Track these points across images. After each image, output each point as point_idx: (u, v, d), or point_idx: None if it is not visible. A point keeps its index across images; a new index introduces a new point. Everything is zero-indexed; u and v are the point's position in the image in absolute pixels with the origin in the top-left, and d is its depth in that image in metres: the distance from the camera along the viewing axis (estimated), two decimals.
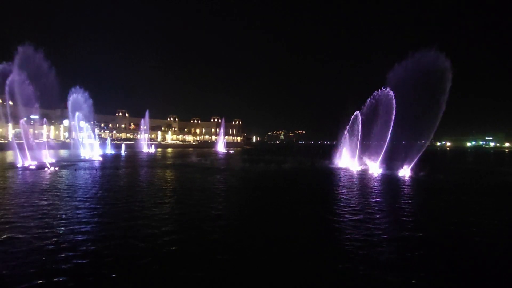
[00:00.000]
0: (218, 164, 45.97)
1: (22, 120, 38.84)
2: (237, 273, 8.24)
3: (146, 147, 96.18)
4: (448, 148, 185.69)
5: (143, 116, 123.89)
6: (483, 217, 14.65)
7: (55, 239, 10.25)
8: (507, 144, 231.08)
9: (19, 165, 32.65)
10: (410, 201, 18.38)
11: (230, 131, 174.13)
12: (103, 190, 20.37)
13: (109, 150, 70.58)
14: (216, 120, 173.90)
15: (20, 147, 35.19)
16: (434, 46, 30.00)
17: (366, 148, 38.97)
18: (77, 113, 57.56)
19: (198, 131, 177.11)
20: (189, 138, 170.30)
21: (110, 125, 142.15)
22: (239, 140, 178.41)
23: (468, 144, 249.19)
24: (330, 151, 55.02)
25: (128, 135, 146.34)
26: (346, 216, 14.17)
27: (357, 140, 38.53)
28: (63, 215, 13.38)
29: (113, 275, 7.91)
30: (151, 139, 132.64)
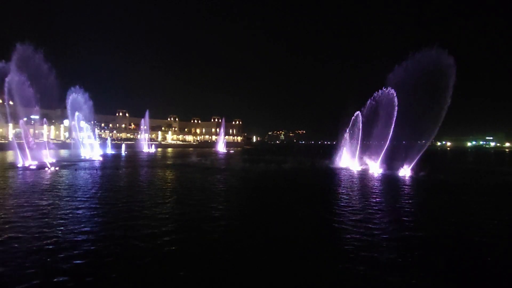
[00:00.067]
0: (218, 164, 45.98)
1: (22, 120, 38.86)
2: (237, 273, 8.24)
3: (147, 147, 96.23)
4: (448, 148, 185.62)
5: (143, 116, 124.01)
6: (483, 217, 14.65)
7: (55, 239, 10.26)
8: (507, 144, 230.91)
9: (20, 165, 32.68)
10: (410, 201, 18.37)
11: (230, 131, 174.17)
12: (103, 190, 20.38)
13: (109, 150, 70.60)
14: (216, 120, 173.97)
15: (21, 147, 35.21)
16: (434, 45, 30.00)
17: (366, 148, 38.98)
18: (76, 113, 57.57)
19: (198, 131, 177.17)
20: (190, 138, 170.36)
21: (111, 125, 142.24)
22: (239, 140, 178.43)
23: (469, 144, 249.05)
24: (330, 151, 55.04)
25: (128, 135, 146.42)
26: (346, 216, 14.17)
27: (358, 140, 38.53)
28: (64, 215, 13.38)
29: (113, 275, 7.92)
30: (151, 139, 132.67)
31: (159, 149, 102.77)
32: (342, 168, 37.56)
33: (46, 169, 30.72)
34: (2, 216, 13.04)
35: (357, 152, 38.40)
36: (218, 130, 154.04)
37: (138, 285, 7.54)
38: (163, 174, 30.60)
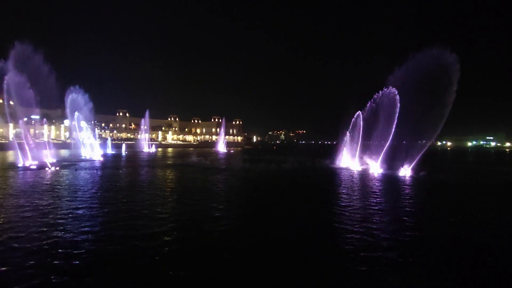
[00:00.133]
0: (218, 164, 45.99)
1: (21, 121, 38.90)
2: (237, 273, 8.25)
3: (147, 147, 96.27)
4: (448, 148, 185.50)
5: (143, 116, 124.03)
6: (484, 217, 14.64)
7: (56, 239, 10.27)
8: (508, 144, 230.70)
9: (20, 165, 32.71)
10: (410, 201, 18.36)
11: (231, 131, 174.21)
12: (103, 190, 20.40)
13: (110, 150, 70.66)
14: (216, 120, 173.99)
15: (21, 147, 35.24)
16: (435, 45, 29.94)
17: (366, 147, 38.98)
18: (76, 113, 57.63)
19: (198, 131, 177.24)
20: (190, 138, 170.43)
21: (111, 125, 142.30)
22: (239, 140, 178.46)
23: (469, 144, 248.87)
24: (330, 151, 55.04)
25: (128, 135, 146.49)
26: (347, 216, 14.17)
27: (358, 140, 38.52)
28: (64, 215, 13.39)
29: (113, 275, 7.93)
30: (151, 139, 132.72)
31: (160, 149, 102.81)
32: (342, 168, 37.57)
33: (47, 169, 30.75)
34: (2, 216, 13.06)
35: (357, 152, 38.39)
36: (218, 130, 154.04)
37: (138, 285, 7.54)
38: (163, 174, 30.61)
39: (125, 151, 72.41)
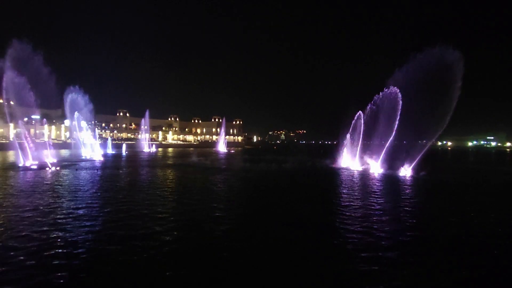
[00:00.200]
0: (218, 164, 46.00)
1: (21, 121, 38.93)
2: (237, 273, 8.24)
3: (147, 147, 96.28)
4: (449, 148, 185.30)
5: (144, 116, 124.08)
6: (484, 217, 14.63)
7: (56, 239, 10.27)
8: (508, 144, 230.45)
9: (21, 164, 32.72)
10: (410, 201, 18.35)
11: (231, 131, 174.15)
12: (104, 190, 20.40)
13: (110, 150, 70.69)
14: (217, 120, 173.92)
15: (22, 147, 35.26)
16: (436, 44, 29.84)
17: (367, 147, 38.96)
18: (76, 113, 57.69)
19: (199, 131, 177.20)
20: (190, 138, 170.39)
21: (111, 125, 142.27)
22: (240, 140, 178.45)
23: (469, 144, 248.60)
24: (331, 151, 55.01)
25: (129, 135, 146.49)
26: (347, 215, 14.16)
27: (358, 139, 38.50)
28: (64, 215, 13.39)
29: (113, 275, 7.93)
30: (152, 139, 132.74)
31: (160, 149, 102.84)
32: (342, 168, 37.56)
33: (47, 169, 30.77)
34: (3, 215, 13.06)
35: (358, 152, 38.38)
36: (218, 130, 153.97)
37: (138, 285, 7.54)
38: (163, 174, 30.62)
39: (125, 151, 72.41)
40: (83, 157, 49.94)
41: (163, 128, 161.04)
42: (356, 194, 20.24)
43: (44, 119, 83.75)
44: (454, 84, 28.62)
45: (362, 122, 38.20)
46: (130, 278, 7.82)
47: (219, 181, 26.04)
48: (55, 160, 37.32)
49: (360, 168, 35.93)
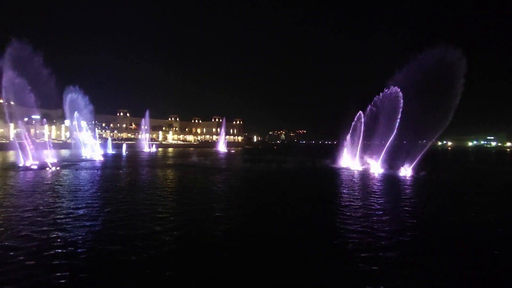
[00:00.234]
0: (219, 163, 46.01)
1: (20, 121, 38.96)
2: (237, 273, 8.24)
3: (147, 147, 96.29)
4: (449, 148, 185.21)
5: (144, 116, 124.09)
6: (484, 217, 14.62)
7: (56, 238, 10.27)
8: (508, 144, 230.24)
9: (21, 164, 32.73)
10: (411, 201, 18.34)
11: (231, 130, 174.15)
12: (104, 190, 20.40)
13: (110, 150, 70.71)
14: (217, 120, 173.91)
15: (22, 147, 35.27)
16: (436, 44, 29.78)
17: (367, 147, 38.95)
18: (75, 113, 57.74)
19: (199, 130, 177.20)
20: (190, 138, 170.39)
21: (111, 125, 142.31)
22: (240, 140, 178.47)
23: (470, 144, 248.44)
24: (331, 151, 54.99)
25: (129, 135, 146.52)
26: (347, 215, 14.16)
27: (359, 139, 38.50)
28: (64, 215, 13.39)
29: (113, 275, 7.93)
30: (152, 139, 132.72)
31: (160, 149, 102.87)
32: (343, 168, 37.56)
33: (47, 169, 30.78)
34: (3, 215, 13.07)
35: (358, 152, 38.37)
36: (218, 130, 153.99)
37: (138, 285, 7.54)
38: (163, 174, 30.62)
39: (125, 151, 72.43)
40: (83, 157, 49.96)
41: (163, 128, 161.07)
42: (356, 194, 20.23)
43: (44, 119, 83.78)
44: (456, 82, 28.34)
45: (363, 122, 38.19)
46: (130, 278, 7.82)
47: (219, 181, 26.04)
48: (55, 160, 37.32)
49: (360, 168, 35.92)
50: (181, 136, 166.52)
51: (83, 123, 60.85)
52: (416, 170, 30.81)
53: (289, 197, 19.70)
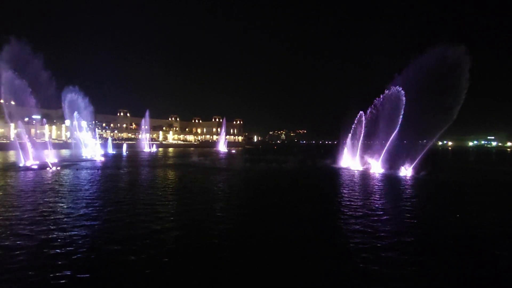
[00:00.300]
0: (219, 163, 46.02)
1: (20, 122, 39.02)
2: (237, 273, 8.25)
3: (148, 147, 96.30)
4: (449, 148, 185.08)
5: (144, 116, 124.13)
6: (484, 217, 14.61)
7: (56, 239, 10.28)
8: (509, 144, 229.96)
9: (21, 164, 32.76)
10: (411, 201, 18.33)
11: (231, 130, 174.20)
12: (104, 190, 20.42)
13: (111, 150, 70.74)
14: (217, 119, 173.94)
15: (22, 147, 35.31)
16: (437, 43, 29.70)
17: (367, 147, 38.93)
18: (75, 113, 57.79)
19: (199, 130, 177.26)
20: (191, 137, 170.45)
21: (112, 125, 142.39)
22: (240, 140, 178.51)
23: (470, 143, 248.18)
24: (331, 151, 54.98)
25: (129, 134, 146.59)
26: (347, 215, 14.16)
27: (359, 139, 38.49)
28: (65, 215, 13.41)
29: (113, 275, 7.94)
30: (152, 139, 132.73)
31: (160, 149, 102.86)
32: (343, 168, 37.56)
33: (48, 169, 30.80)
34: (3, 215, 13.08)
35: (358, 152, 38.36)
36: (219, 130, 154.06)
37: (138, 284, 7.55)
38: (164, 174, 30.63)
39: (126, 151, 72.45)
40: (84, 157, 49.98)
41: (164, 128, 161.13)
42: (356, 194, 20.23)
43: (44, 119, 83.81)
44: (459, 79, 28.02)
45: (364, 122, 38.18)
46: (130, 278, 7.83)
47: (219, 181, 26.05)
48: (55, 160, 37.36)
49: (360, 168, 35.92)
50: (181, 136, 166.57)
51: (83, 123, 60.85)
52: (417, 170, 30.80)
53: (289, 197, 19.70)
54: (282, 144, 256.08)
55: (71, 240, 10.27)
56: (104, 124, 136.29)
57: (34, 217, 12.91)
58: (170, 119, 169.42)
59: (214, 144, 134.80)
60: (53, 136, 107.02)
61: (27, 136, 38.38)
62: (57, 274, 7.79)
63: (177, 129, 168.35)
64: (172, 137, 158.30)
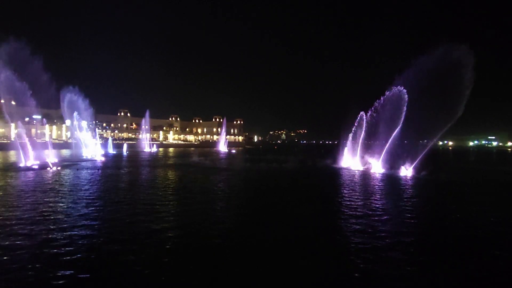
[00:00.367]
0: (219, 163, 46.02)
1: (19, 122, 39.07)
2: (237, 273, 8.25)
3: (148, 147, 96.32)
4: (450, 148, 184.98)
5: (144, 116, 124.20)
6: (485, 217, 14.60)
7: (57, 239, 10.29)
8: (510, 144, 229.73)
9: (22, 164, 32.77)
10: (411, 201, 18.33)
11: (232, 130, 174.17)
12: (104, 190, 20.44)
13: (111, 150, 70.78)
14: (217, 119, 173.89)
15: (23, 147, 35.32)
16: (438, 43, 29.63)
17: (368, 147, 38.92)
18: (75, 113, 57.84)
19: (199, 130, 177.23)
20: (191, 137, 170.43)
21: (112, 124, 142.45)
22: (240, 140, 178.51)
23: (471, 143, 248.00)
24: (331, 151, 54.99)
25: (130, 134, 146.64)
26: (347, 215, 14.16)
27: (359, 139, 38.47)
28: (65, 215, 13.42)
29: (113, 275, 7.94)
30: (152, 139, 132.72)
31: (161, 149, 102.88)
32: (343, 168, 37.54)
33: (48, 169, 30.83)
34: (4, 215, 13.09)
35: (358, 152, 38.35)
36: (219, 129, 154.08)
37: (138, 284, 7.55)
38: (164, 174, 30.64)
39: (126, 151, 72.48)
40: (84, 157, 50.00)
41: (164, 128, 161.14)
42: (356, 194, 20.22)
43: (44, 119, 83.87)
44: (464, 76, 27.86)
45: (364, 122, 38.16)
46: (130, 278, 7.83)
47: (219, 181, 26.06)
48: (56, 160, 37.38)
49: (361, 168, 35.90)
50: (181, 136, 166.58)
51: (84, 123, 60.92)
52: (417, 170, 30.78)
53: (289, 197, 19.70)
54: (283, 144, 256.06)
55: (71, 240, 10.28)
56: (104, 124, 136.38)
57: (34, 217, 12.92)
58: (170, 119, 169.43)
59: (214, 144, 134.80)
60: (54, 136, 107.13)
61: (27, 137, 38.40)
62: (57, 274, 7.79)
63: (177, 129, 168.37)
64: (172, 137, 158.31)
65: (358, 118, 39.30)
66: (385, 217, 14.20)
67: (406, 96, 32.19)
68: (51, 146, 42.87)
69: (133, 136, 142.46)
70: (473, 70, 27.79)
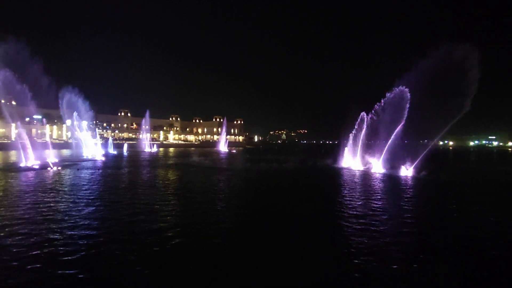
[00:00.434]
0: (220, 163, 46.03)
1: (19, 122, 39.13)
2: (237, 273, 8.25)
3: (148, 147, 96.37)
4: (450, 148, 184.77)
5: (145, 116, 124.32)
6: (485, 217, 14.59)
7: (57, 238, 10.30)
8: (510, 144, 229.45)
9: (22, 164, 32.79)
10: (411, 201, 18.32)
11: (232, 130, 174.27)
12: (105, 189, 20.44)
13: (111, 150, 70.81)
14: (218, 119, 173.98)
15: (23, 146, 35.34)
16: (439, 43, 29.58)
17: (368, 147, 38.90)
18: (74, 113, 57.90)
19: (200, 130, 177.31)
20: (191, 137, 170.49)
21: (112, 124, 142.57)
22: (241, 140, 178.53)
23: (471, 143, 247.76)
24: (332, 151, 54.99)
25: (130, 134, 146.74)
26: (348, 215, 14.15)
27: (360, 139, 38.45)
28: (65, 215, 13.43)
29: (113, 275, 7.95)
30: (153, 139, 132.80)
31: (161, 149, 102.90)
32: (344, 168, 37.53)
33: (49, 169, 30.84)
34: (4, 215, 13.11)
35: (359, 152, 38.33)
36: (219, 129, 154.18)
37: (138, 285, 7.55)
38: (164, 174, 30.64)
39: (126, 151, 72.52)
40: (85, 157, 50.02)
41: (164, 128, 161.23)
42: (357, 193, 20.22)
43: (45, 119, 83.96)
44: (464, 76, 27.77)
45: (365, 123, 38.15)
46: (130, 278, 7.84)
47: (220, 181, 26.06)
48: (56, 160, 37.40)
49: (361, 168, 35.89)
50: (182, 136, 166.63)
51: (84, 123, 60.96)
52: (417, 170, 30.77)
53: (289, 197, 19.70)
54: (283, 144, 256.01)
55: (71, 240, 10.29)
56: (104, 124, 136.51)
57: (34, 217, 12.94)
58: (170, 119, 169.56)
59: (214, 144, 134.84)
60: (54, 136, 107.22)
61: (28, 137, 38.40)
62: (57, 274, 7.80)
63: (177, 129, 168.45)
64: (172, 137, 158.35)
65: (359, 119, 39.29)
66: (385, 217, 14.19)
67: (409, 94, 32.12)
68: (52, 146, 42.91)
69: (133, 136, 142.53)
70: (479, 65, 27.48)
